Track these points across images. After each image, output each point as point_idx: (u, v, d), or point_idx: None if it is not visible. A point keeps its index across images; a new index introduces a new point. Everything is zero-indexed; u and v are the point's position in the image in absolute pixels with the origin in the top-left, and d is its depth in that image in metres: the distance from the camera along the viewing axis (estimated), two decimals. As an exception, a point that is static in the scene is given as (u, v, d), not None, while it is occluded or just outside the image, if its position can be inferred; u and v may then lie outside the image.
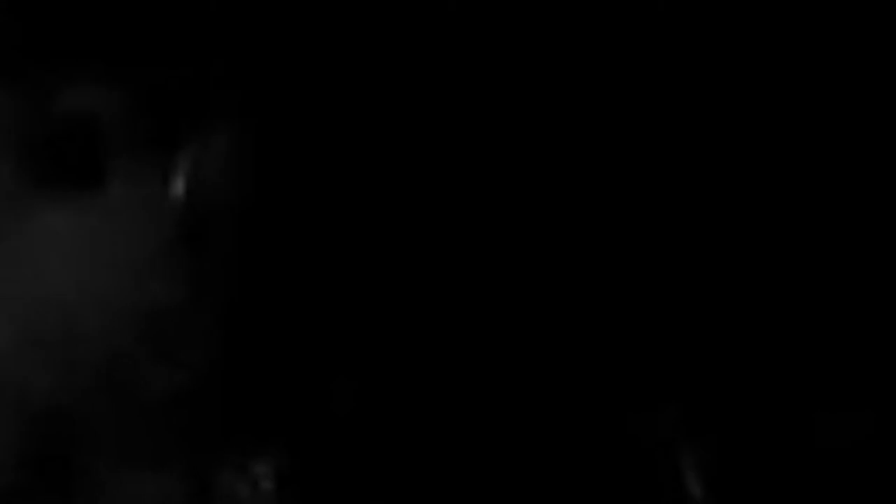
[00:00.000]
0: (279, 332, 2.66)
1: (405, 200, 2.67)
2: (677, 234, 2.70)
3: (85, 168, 2.70)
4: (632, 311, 2.68)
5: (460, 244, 2.68)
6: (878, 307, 2.72)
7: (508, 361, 2.64)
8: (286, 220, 2.68)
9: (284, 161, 2.68)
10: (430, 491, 2.62)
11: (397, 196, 2.66)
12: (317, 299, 2.66)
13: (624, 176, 2.73)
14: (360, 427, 2.65)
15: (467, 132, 2.67)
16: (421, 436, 2.64)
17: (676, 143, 2.75)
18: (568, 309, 2.68)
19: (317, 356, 2.66)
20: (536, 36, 2.72)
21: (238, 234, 2.68)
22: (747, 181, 2.76)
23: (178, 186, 2.68)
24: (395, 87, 2.68)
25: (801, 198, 2.75)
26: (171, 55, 2.69)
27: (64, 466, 2.61)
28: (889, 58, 2.74)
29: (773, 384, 2.67)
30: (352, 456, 2.64)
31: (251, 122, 2.68)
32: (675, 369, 2.67)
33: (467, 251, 2.69)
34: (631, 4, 2.73)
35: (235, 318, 2.66)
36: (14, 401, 2.61)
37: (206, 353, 2.64)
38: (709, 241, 2.70)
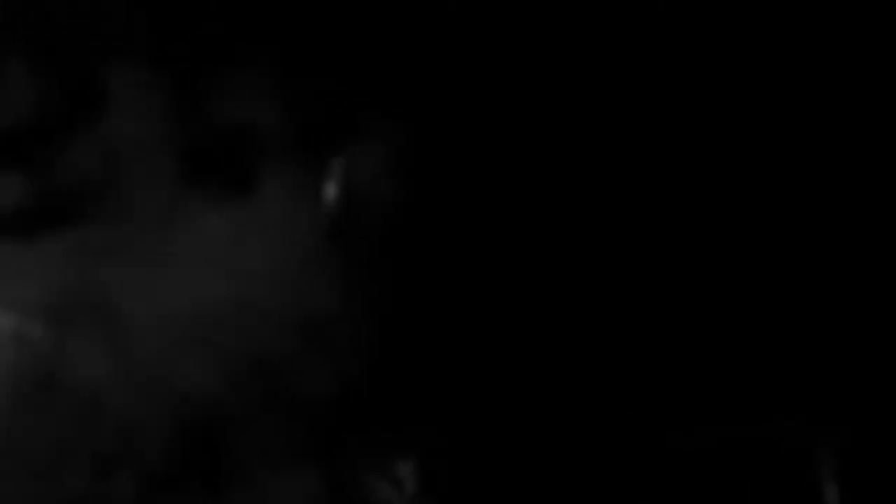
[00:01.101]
0: (426, 338, 2.72)
1: (554, 208, 2.74)
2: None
3: (241, 174, 2.79)
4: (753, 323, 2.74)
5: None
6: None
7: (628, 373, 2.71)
8: (434, 227, 2.74)
9: (434, 169, 2.75)
10: (567, 492, 2.67)
11: (541, 203, 2.74)
12: (464, 305, 2.72)
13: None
14: (501, 430, 2.71)
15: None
16: (557, 440, 2.69)
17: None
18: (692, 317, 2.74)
19: (461, 362, 2.72)
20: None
21: (388, 241, 2.75)
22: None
23: (331, 193, 2.76)
24: (541, 99, 2.76)
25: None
26: (325, 66, 2.78)
27: (213, 461, 2.68)
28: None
29: None
30: (492, 458, 2.70)
31: (402, 131, 2.76)
32: (813, 379, 2.72)
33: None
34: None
35: (384, 323, 2.73)
36: (169, 397, 2.69)
37: (354, 357, 2.71)
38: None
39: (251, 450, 2.69)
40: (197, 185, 2.77)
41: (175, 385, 2.69)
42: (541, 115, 2.80)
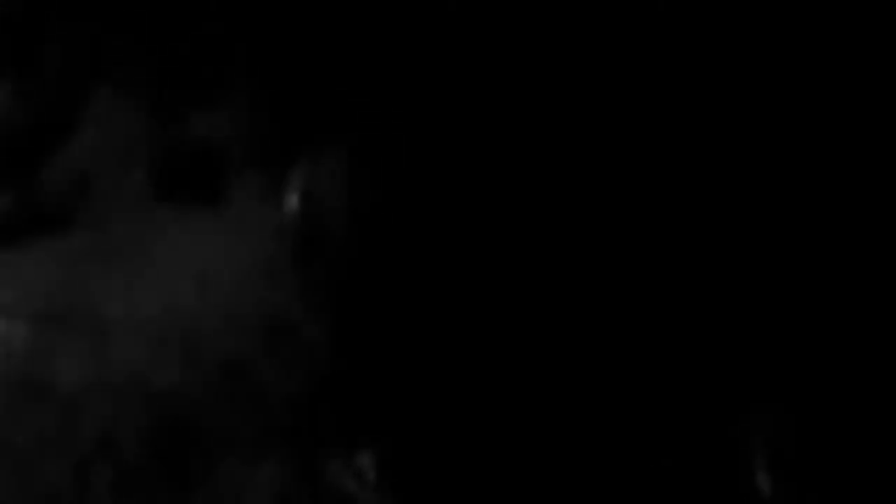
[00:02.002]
0: (385, 338, 2.89)
1: (518, 213, 2.88)
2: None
3: (206, 185, 2.96)
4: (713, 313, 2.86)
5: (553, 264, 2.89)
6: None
7: (596, 361, 2.84)
8: (396, 233, 2.91)
9: (392, 177, 2.91)
10: (526, 482, 2.83)
11: (507, 208, 2.88)
12: (423, 307, 2.89)
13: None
14: (458, 422, 2.86)
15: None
16: (517, 431, 2.84)
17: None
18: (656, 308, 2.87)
19: (419, 360, 2.88)
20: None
21: (350, 246, 2.92)
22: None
23: (293, 202, 2.93)
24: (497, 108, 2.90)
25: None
26: (283, 83, 2.95)
27: (184, 455, 2.84)
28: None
29: (845, 380, 2.81)
30: (449, 448, 2.85)
31: (359, 140, 2.93)
32: (754, 368, 2.87)
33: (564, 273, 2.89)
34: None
35: (345, 325, 2.90)
36: (141, 396, 2.86)
37: (317, 358, 2.88)
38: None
39: (220, 444, 2.85)
40: (169, 197, 2.95)
41: (149, 384, 2.86)
42: (505, 116, 2.90)
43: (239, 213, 2.94)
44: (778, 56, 2.89)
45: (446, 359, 2.87)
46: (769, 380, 2.84)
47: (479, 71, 2.86)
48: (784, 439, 2.82)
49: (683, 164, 2.87)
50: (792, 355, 2.84)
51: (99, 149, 2.94)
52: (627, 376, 2.83)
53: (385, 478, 2.84)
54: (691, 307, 2.85)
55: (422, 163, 2.90)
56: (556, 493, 2.81)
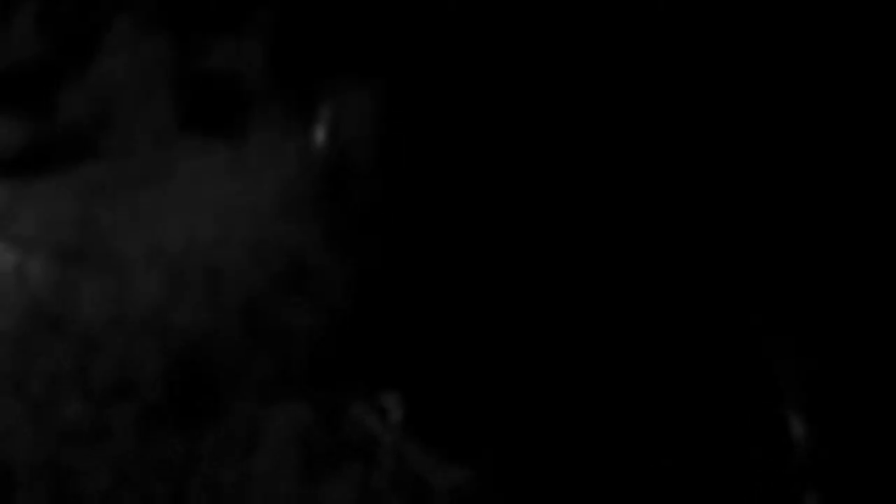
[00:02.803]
0: (410, 275, 2.83)
1: (530, 163, 2.83)
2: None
3: (229, 117, 2.89)
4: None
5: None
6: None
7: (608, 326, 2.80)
8: (420, 171, 2.85)
9: (418, 114, 2.84)
10: (545, 429, 2.78)
11: (522, 157, 2.83)
12: (444, 246, 2.83)
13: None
14: (483, 366, 2.81)
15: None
16: (537, 377, 2.79)
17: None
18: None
19: (446, 299, 2.83)
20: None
21: (374, 183, 2.86)
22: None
23: (319, 136, 2.86)
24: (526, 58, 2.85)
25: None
26: (315, 14, 2.88)
27: (202, 393, 2.79)
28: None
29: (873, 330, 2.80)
30: (473, 390, 2.80)
31: (387, 78, 2.86)
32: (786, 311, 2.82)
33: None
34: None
35: (369, 263, 2.84)
36: (159, 334, 2.80)
37: (341, 293, 2.82)
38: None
39: (239, 382, 2.80)
40: (191, 129, 2.88)
41: (168, 321, 2.80)
42: (527, 61, 2.87)
43: (262, 145, 2.87)
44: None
45: (470, 298, 2.81)
46: (801, 328, 2.79)
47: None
48: (817, 385, 2.77)
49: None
50: (821, 307, 2.80)
51: (120, 78, 2.87)
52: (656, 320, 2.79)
53: (410, 417, 2.79)
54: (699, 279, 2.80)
55: (445, 106, 2.84)
56: (576, 434, 2.77)
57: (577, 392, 2.74)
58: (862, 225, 2.83)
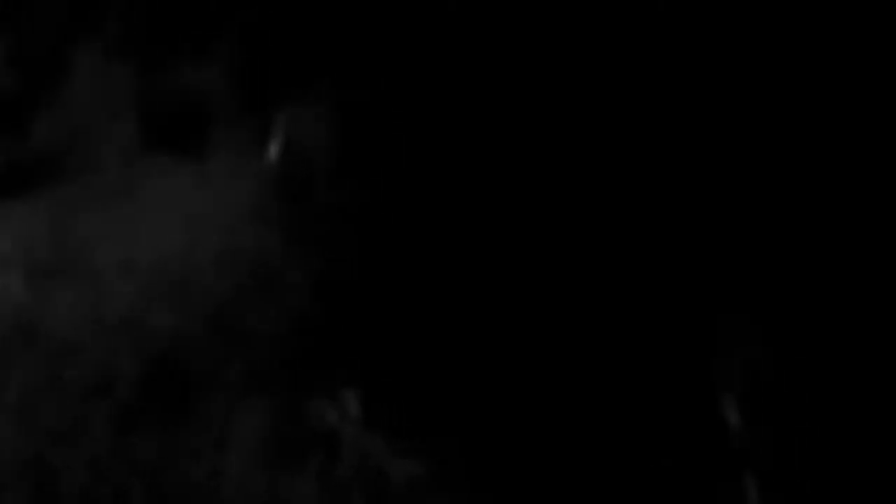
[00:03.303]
0: (363, 276, 3.00)
1: (479, 163, 2.98)
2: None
3: (193, 135, 3.08)
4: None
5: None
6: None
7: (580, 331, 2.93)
8: (368, 179, 3.02)
9: (366, 127, 3.02)
10: (502, 421, 2.93)
11: (471, 160, 2.98)
12: (393, 247, 3.00)
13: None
14: (437, 358, 2.97)
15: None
16: (495, 370, 2.94)
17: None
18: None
19: (398, 297, 2.99)
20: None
21: (327, 191, 3.04)
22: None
23: (275, 151, 3.04)
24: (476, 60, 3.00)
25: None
26: (266, 35, 3.06)
27: (176, 393, 2.96)
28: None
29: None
30: (427, 382, 2.96)
31: (336, 94, 3.04)
32: (711, 290, 2.97)
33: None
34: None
35: (326, 267, 3.01)
36: (134, 338, 2.98)
37: (301, 297, 3.00)
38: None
39: (210, 382, 2.97)
40: (157, 148, 3.07)
41: (142, 326, 2.98)
42: (482, 69, 3.00)
43: (224, 161, 3.05)
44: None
45: (425, 297, 2.97)
46: (742, 314, 2.92)
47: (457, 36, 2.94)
48: (756, 375, 2.90)
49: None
50: (768, 289, 2.93)
51: (88, 102, 3.05)
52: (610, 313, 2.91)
53: (368, 412, 2.95)
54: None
55: (396, 111, 3.00)
56: (538, 433, 2.91)
57: (528, 382, 2.89)
58: (825, 218, 2.91)
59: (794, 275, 2.93)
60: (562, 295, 2.87)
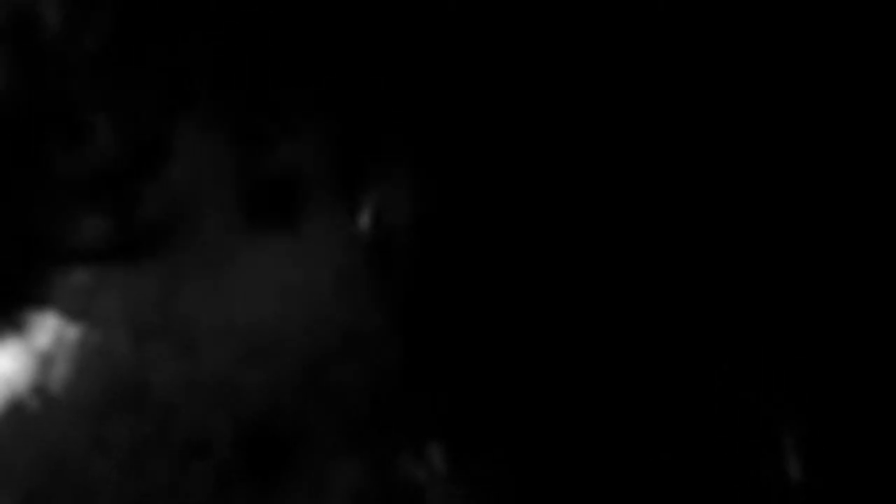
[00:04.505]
0: (451, 341, 3.17)
1: (562, 227, 3.15)
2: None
3: (287, 208, 3.27)
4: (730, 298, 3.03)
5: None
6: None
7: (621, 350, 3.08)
8: (456, 251, 3.20)
9: (457, 202, 3.21)
10: (584, 473, 3.08)
11: (555, 226, 3.16)
12: (479, 313, 3.18)
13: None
14: (522, 417, 3.13)
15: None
16: (574, 428, 3.10)
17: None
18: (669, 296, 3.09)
19: (482, 359, 3.17)
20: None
21: (415, 262, 3.22)
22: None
23: (365, 223, 3.23)
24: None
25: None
26: (357, 115, 3.26)
27: (271, 451, 3.13)
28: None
29: (871, 366, 2.97)
30: (515, 441, 3.12)
31: (423, 168, 3.23)
32: (778, 352, 3.04)
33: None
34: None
35: (413, 330, 3.19)
36: (230, 398, 3.16)
37: (389, 358, 3.18)
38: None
39: (303, 441, 3.14)
40: (254, 220, 3.27)
41: (238, 387, 3.16)
42: (553, 125, 3.11)
43: (316, 232, 3.24)
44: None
45: (505, 355, 3.14)
46: (795, 364, 3.04)
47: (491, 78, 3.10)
48: (812, 421, 3.00)
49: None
50: (814, 344, 3.04)
51: (191, 177, 3.25)
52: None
53: (455, 469, 3.09)
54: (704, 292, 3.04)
55: (476, 186, 3.19)
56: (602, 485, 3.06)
57: (611, 429, 3.04)
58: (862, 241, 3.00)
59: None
60: (619, 338, 3.01)
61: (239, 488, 3.06)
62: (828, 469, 3.02)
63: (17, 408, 3.20)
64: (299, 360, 3.13)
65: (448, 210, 3.19)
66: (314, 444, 3.09)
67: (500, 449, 3.08)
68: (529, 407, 3.11)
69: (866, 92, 3.02)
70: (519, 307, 3.12)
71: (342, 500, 3.06)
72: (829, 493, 2.98)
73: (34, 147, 3.28)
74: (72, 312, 3.27)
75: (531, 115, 3.15)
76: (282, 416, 3.11)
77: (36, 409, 3.19)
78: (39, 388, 3.21)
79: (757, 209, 3.09)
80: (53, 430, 3.19)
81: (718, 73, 3.06)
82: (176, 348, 3.16)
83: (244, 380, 3.11)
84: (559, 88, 3.14)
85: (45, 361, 3.23)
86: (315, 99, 3.22)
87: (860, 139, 3.03)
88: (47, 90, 3.27)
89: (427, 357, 3.11)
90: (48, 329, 3.26)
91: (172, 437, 3.10)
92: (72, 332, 3.26)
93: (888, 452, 2.98)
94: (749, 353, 3.05)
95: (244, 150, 3.23)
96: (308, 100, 3.23)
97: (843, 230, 3.05)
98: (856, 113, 3.03)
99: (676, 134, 3.10)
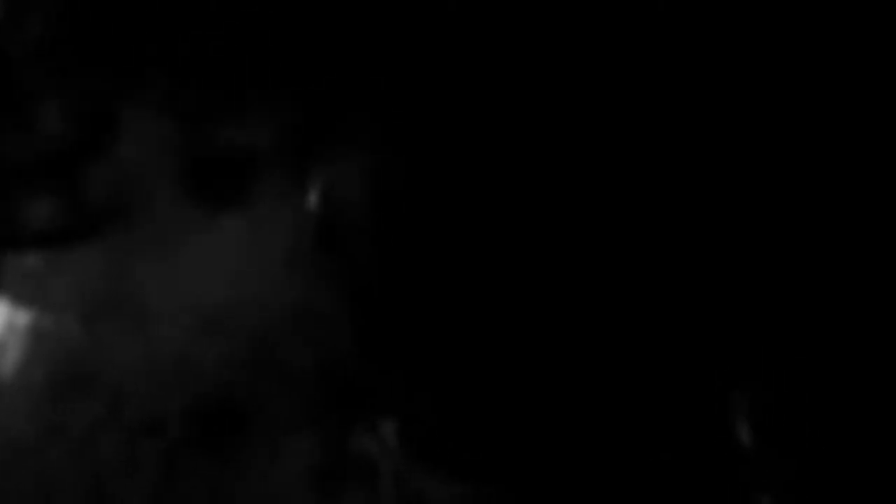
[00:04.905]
0: (402, 318, 3.19)
1: (523, 215, 3.11)
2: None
3: (233, 188, 3.28)
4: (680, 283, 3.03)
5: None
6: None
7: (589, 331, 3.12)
8: (405, 228, 3.22)
9: (405, 179, 3.22)
10: (537, 443, 3.11)
11: (515, 209, 3.12)
12: (433, 292, 3.19)
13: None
14: (474, 392, 3.14)
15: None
16: (530, 400, 3.11)
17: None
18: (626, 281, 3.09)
19: (434, 334, 3.18)
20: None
21: (365, 239, 3.24)
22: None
23: (315, 201, 3.24)
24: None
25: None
26: (300, 94, 3.27)
27: (222, 429, 3.13)
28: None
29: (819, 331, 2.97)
30: (468, 414, 3.13)
31: (375, 146, 3.25)
32: (724, 321, 3.06)
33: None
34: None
35: (363, 307, 3.21)
36: (181, 377, 3.16)
37: (338, 335, 3.19)
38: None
39: (254, 418, 3.15)
40: (198, 200, 3.27)
41: (189, 366, 3.16)
42: (530, 117, 3.09)
43: (263, 211, 3.24)
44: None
45: (458, 331, 3.16)
46: (749, 338, 3.05)
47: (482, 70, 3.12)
48: (768, 393, 3.01)
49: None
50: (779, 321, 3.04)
51: (135, 159, 3.25)
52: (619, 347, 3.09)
53: (406, 444, 3.11)
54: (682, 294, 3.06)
55: (428, 161, 3.21)
56: (567, 462, 3.08)
57: (556, 402, 3.06)
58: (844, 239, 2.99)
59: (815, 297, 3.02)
60: (592, 323, 3.05)
61: (192, 464, 3.07)
62: (779, 435, 3.03)
63: (-33, 393, 3.19)
64: (251, 337, 3.14)
65: (400, 187, 3.19)
66: (267, 419, 3.10)
67: (452, 424, 3.09)
68: (482, 381, 3.12)
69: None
70: (471, 282, 3.13)
71: (296, 474, 3.07)
72: (780, 460, 3.00)
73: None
74: (22, 298, 3.27)
75: (485, 90, 3.15)
76: (234, 392, 3.12)
77: (-13, 395, 3.19)
78: (-10, 374, 3.20)
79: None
80: (6, 415, 3.18)
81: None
82: (127, 328, 3.17)
83: (196, 357, 3.13)
84: (518, 61, 3.14)
85: (-6, 347, 3.23)
86: (266, 77, 3.23)
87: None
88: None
89: (377, 334, 3.13)
90: (-3, 314, 3.26)
91: (125, 417, 3.11)
92: (22, 317, 3.25)
93: (843, 419, 2.99)
94: (703, 322, 3.06)
95: (193, 129, 3.24)
96: (259, 78, 3.23)
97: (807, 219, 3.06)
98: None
99: (653, 118, 3.10)
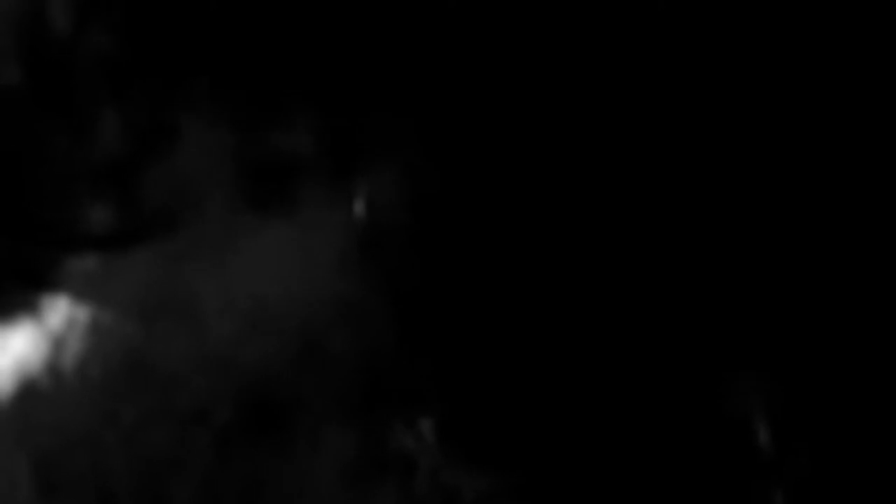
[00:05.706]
0: (441, 317, 3.31)
1: (563, 221, 3.21)
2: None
3: (284, 194, 3.44)
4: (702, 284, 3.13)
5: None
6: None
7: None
8: (445, 231, 3.35)
9: (444, 185, 3.34)
10: (578, 449, 3.18)
11: (556, 216, 3.22)
12: (471, 292, 3.31)
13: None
14: (510, 391, 3.21)
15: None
16: (562, 400, 3.19)
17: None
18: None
19: (472, 333, 3.30)
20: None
21: (406, 242, 3.37)
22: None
23: (360, 205, 3.40)
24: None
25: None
26: (351, 104, 3.42)
27: (268, 419, 3.26)
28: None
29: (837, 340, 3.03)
30: (502, 412, 3.20)
31: (415, 154, 3.39)
32: (749, 329, 3.12)
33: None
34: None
35: (405, 307, 3.34)
36: (231, 371, 3.31)
37: (381, 332, 3.33)
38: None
39: (299, 409, 3.27)
40: (251, 205, 3.44)
41: (238, 360, 3.31)
42: (555, 123, 3.19)
43: (310, 216, 3.39)
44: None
45: (495, 330, 3.27)
46: (767, 342, 3.13)
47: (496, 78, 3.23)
48: (784, 397, 3.07)
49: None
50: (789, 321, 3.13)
51: (190, 166, 3.43)
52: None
53: (443, 439, 3.21)
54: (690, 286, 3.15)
55: (463, 170, 3.35)
56: (590, 455, 3.18)
57: (593, 397, 3.16)
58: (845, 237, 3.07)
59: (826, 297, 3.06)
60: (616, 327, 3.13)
61: (237, 452, 3.20)
62: (795, 434, 3.10)
63: (31, 386, 3.34)
64: (297, 334, 3.27)
65: (438, 191, 3.33)
66: (310, 413, 3.22)
67: (489, 422, 3.19)
68: (518, 381, 3.21)
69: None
70: (507, 284, 3.25)
71: (336, 466, 3.20)
72: (796, 458, 3.09)
73: (45, 139, 3.45)
74: (82, 295, 3.43)
75: (519, 100, 3.27)
76: (279, 386, 3.25)
77: (49, 387, 3.34)
78: (52, 368, 3.37)
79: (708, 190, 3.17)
80: (65, 405, 3.33)
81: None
82: (180, 325, 3.32)
83: (245, 353, 3.27)
84: (550, 72, 3.26)
85: (57, 342, 3.41)
86: (311, 89, 3.38)
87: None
88: (56, 84, 3.44)
89: (418, 332, 3.24)
90: (60, 312, 3.43)
91: (176, 407, 3.26)
92: (82, 313, 3.42)
93: (857, 420, 3.05)
94: (719, 333, 3.15)
95: (245, 139, 3.40)
96: (304, 90, 3.39)
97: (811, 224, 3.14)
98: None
99: (667, 125, 3.21)
